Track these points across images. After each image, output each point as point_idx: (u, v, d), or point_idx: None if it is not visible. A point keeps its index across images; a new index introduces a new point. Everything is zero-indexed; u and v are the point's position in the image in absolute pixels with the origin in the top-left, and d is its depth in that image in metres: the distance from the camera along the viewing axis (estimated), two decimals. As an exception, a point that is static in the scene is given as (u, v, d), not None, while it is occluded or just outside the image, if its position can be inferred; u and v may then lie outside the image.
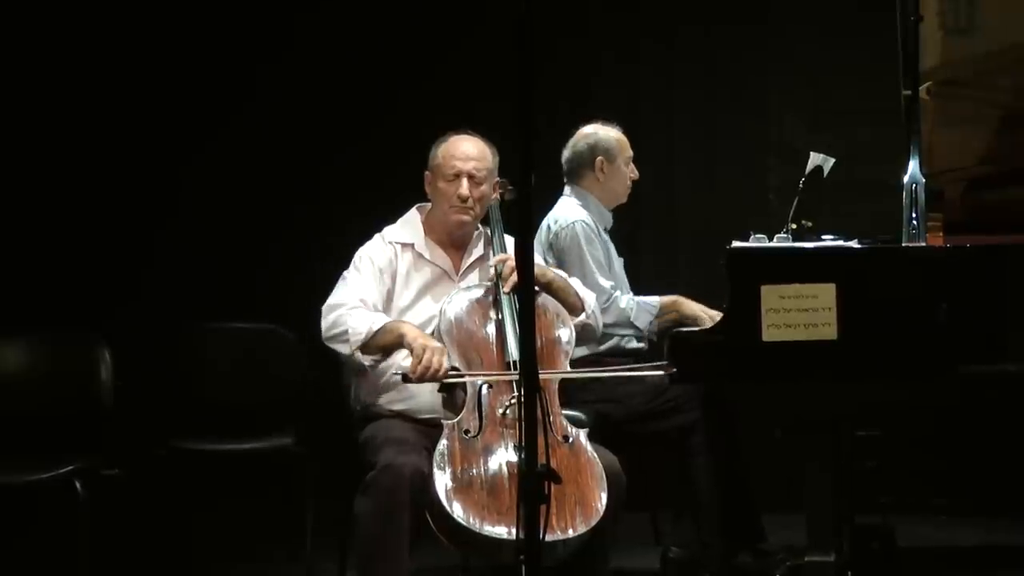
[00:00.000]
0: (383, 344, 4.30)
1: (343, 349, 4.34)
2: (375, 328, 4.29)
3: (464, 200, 4.43)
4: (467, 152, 4.46)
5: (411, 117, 6.26)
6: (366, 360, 4.34)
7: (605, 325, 5.06)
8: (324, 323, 4.38)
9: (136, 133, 6.42)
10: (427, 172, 4.52)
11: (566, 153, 5.33)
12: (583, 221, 5.17)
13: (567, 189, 5.33)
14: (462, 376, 4.19)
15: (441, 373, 4.14)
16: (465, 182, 4.42)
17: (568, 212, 5.22)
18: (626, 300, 5.14)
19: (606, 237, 5.27)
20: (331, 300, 4.41)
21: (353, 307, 4.36)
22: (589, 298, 4.61)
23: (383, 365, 4.37)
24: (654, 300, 5.20)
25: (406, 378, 4.16)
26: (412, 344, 4.19)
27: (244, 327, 5.71)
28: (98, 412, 5.20)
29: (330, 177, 6.46)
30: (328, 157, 6.49)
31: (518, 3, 2.99)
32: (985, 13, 4.60)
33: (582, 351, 5.03)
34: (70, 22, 6.35)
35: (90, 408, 5.22)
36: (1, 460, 4.99)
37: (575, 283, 4.62)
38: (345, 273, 4.48)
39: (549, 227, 5.20)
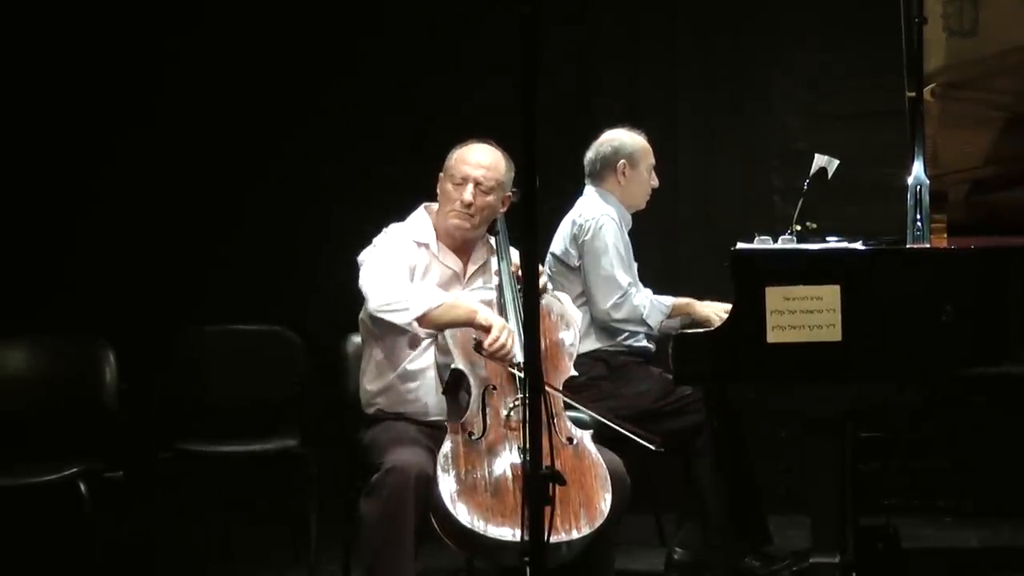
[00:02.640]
0: (451, 319, 4.22)
1: (402, 318, 4.23)
2: (435, 303, 4.23)
3: (467, 206, 4.39)
4: (479, 160, 4.43)
5: (414, 119, 6.29)
6: (422, 332, 4.29)
7: (617, 320, 5.12)
8: (376, 291, 4.28)
9: (142, 137, 6.43)
10: (440, 174, 4.50)
11: (589, 154, 5.34)
12: (610, 216, 5.19)
13: (588, 188, 5.34)
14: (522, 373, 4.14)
15: (510, 356, 4.12)
16: (470, 187, 4.39)
17: (595, 207, 5.24)
18: (640, 298, 5.15)
19: (627, 238, 5.29)
20: (373, 271, 4.32)
21: (403, 279, 4.30)
22: (577, 317, 4.59)
23: (392, 361, 4.38)
24: (667, 300, 5.20)
25: (478, 347, 4.13)
26: (491, 320, 4.15)
27: (247, 329, 5.72)
28: (103, 415, 5.23)
29: (333, 180, 6.47)
30: (331, 159, 6.51)
31: (523, 7, 2.97)
32: (988, 15, 4.59)
33: (589, 346, 5.08)
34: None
35: (95, 411, 5.24)
36: (7, 462, 5.02)
37: (565, 299, 4.61)
38: (368, 253, 4.39)
39: (573, 221, 5.22)
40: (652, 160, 5.34)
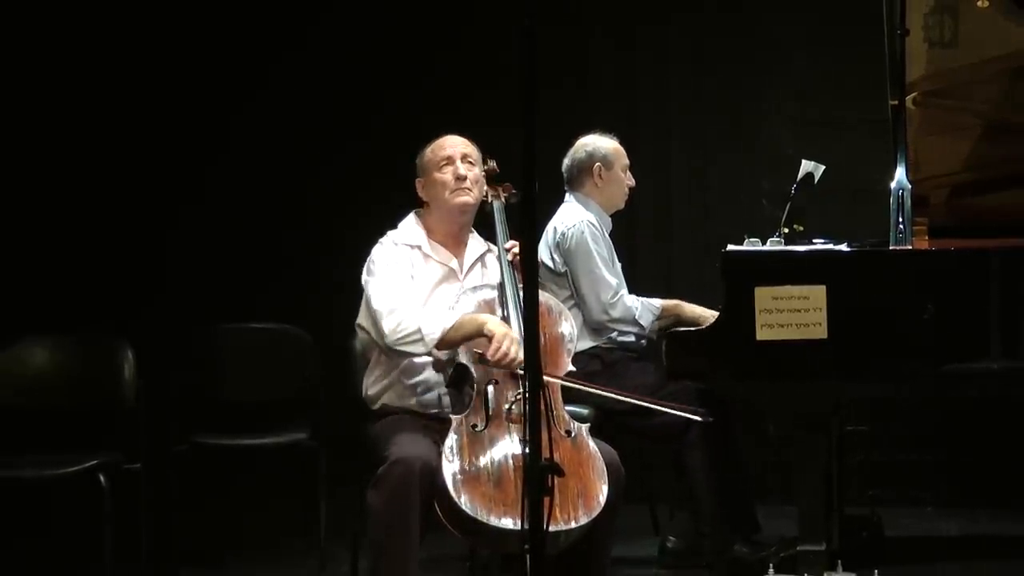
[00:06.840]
0: (463, 335, 4.29)
1: (418, 349, 4.30)
2: (448, 326, 4.30)
3: (462, 179, 4.48)
4: (453, 141, 4.55)
5: (418, 121, 6.24)
6: (442, 355, 4.36)
7: (612, 320, 5.22)
8: (388, 327, 4.31)
9: (155, 139, 6.52)
10: (418, 180, 4.57)
11: (566, 162, 5.45)
12: (588, 221, 5.29)
13: (568, 196, 5.46)
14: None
15: (516, 363, 4.18)
16: (459, 162, 4.49)
17: (574, 214, 5.34)
18: (632, 299, 5.26)
19: (608, 239, 5.40)
20: (381, 305, 4.35)
21: (411, 307, 4.35)
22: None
23: (397, 358, 4.45)
24: (657, 302, 5.31)
25: (482, 359, 4.20)
26: (494, 330, 4.22)
27: (260, 327, 5.75)
28: (122, 409, 5.26)
29: (344, 180, 6.53)
30: (342, 160, 6.57)
31: (521, 15, 3.04)
32: (967, 27, 4.68)
33: (583, 344, 5.16)
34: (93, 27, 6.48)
35: (114, 406, 5.28)
36: (31, 455, 5.07)
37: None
38: (369, 278, 4.44)
39: (555, 229, 5.32)
40: (626, 160, 5.44)
